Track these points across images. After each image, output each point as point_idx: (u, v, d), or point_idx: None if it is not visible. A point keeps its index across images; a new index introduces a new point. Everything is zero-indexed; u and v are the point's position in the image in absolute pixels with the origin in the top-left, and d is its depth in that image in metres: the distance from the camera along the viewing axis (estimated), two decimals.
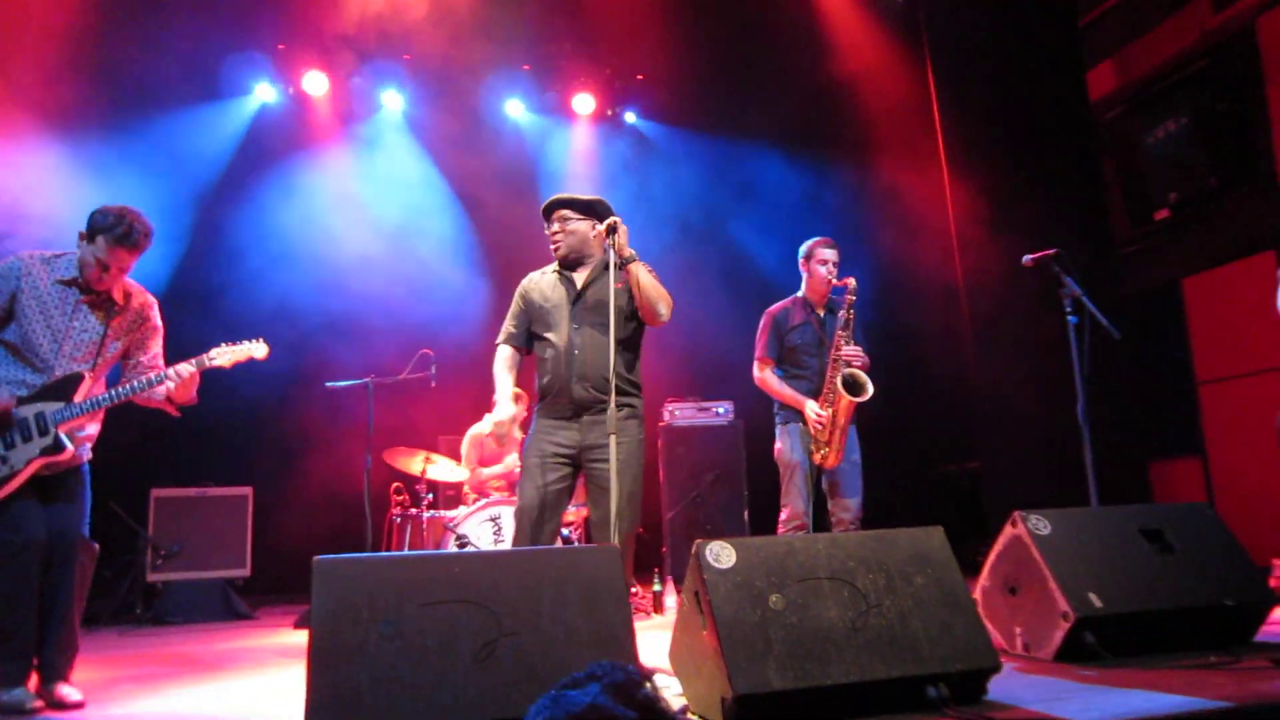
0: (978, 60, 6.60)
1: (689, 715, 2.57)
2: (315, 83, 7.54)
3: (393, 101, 7.81)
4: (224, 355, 3.62)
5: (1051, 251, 4.16)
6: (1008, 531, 3.27)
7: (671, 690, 2.80)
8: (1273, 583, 4.21)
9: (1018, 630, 3.19)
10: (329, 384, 6.00)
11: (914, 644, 2.46)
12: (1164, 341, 6.68)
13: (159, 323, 3.59)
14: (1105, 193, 6.96)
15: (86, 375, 3.30)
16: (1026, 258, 4.26)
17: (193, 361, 3.49)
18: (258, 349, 3.74)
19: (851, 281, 4.28)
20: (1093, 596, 2.97)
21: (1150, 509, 3.50)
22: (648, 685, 1.57)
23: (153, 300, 3.58)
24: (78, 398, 3.25)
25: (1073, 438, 4.06)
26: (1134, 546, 3.20)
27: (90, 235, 3.27)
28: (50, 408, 3.19)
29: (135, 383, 3.35)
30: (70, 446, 3.20)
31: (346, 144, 7.76)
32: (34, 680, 3.15)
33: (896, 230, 7.74)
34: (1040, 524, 3.18)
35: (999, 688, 2.58)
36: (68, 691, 3.16)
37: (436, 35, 7.13)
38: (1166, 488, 6.65)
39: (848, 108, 7.90)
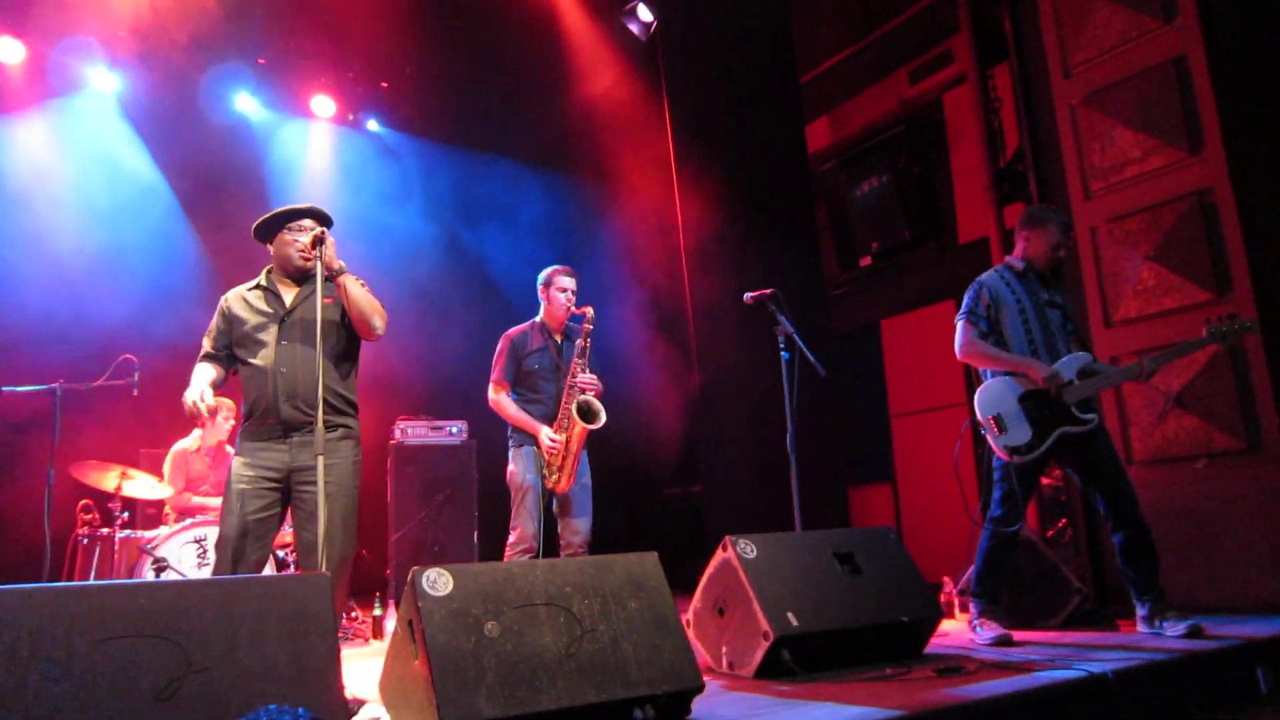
0: (711, 104, 6.96)
1: None
2: (7, 49, 6.65)
3: (103, 80, 7.05)
4: None
5: (769, 291, 4.46)
6: (719, 555, 3.44)
7: None
8: (942, 598, 4.72)
9: (724, 649, 3.36)
10: (5, 388, 5.28)
11: (624, 668, 2.52)
12: (864, 378, 7.38)
13: None
14: (819, 238, 7.59)
15: None
16: (747, 295, 4.54)
17: None
18: None
19: (589, 310, 4.38)
20: (790, 616, 3.19)
21: (843, 533, 3.83)
22: None
23: None
24: None
25: (784, 465, 4.36)
26: (828, 568, 3.46)
27: None
28: None
29: None
30: None
31: (44, 121, 6.87)
32: None
33: (634, 257, 8.00)
34: (747, 548, 3.37)
35: (702, 706, 2.70)
36: None
37: (158, 13, 6.52)
38: (863, 512, 7.32)
39: (593, 135, 8.07)
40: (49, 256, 6.54)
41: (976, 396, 4.02)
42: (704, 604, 3.52)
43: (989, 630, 3.81)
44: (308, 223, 3.42)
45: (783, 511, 4.44)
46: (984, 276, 4.14)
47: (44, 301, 6.40)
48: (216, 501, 5.31)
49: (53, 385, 5.20)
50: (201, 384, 3.30)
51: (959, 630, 4.20)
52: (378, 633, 5.19)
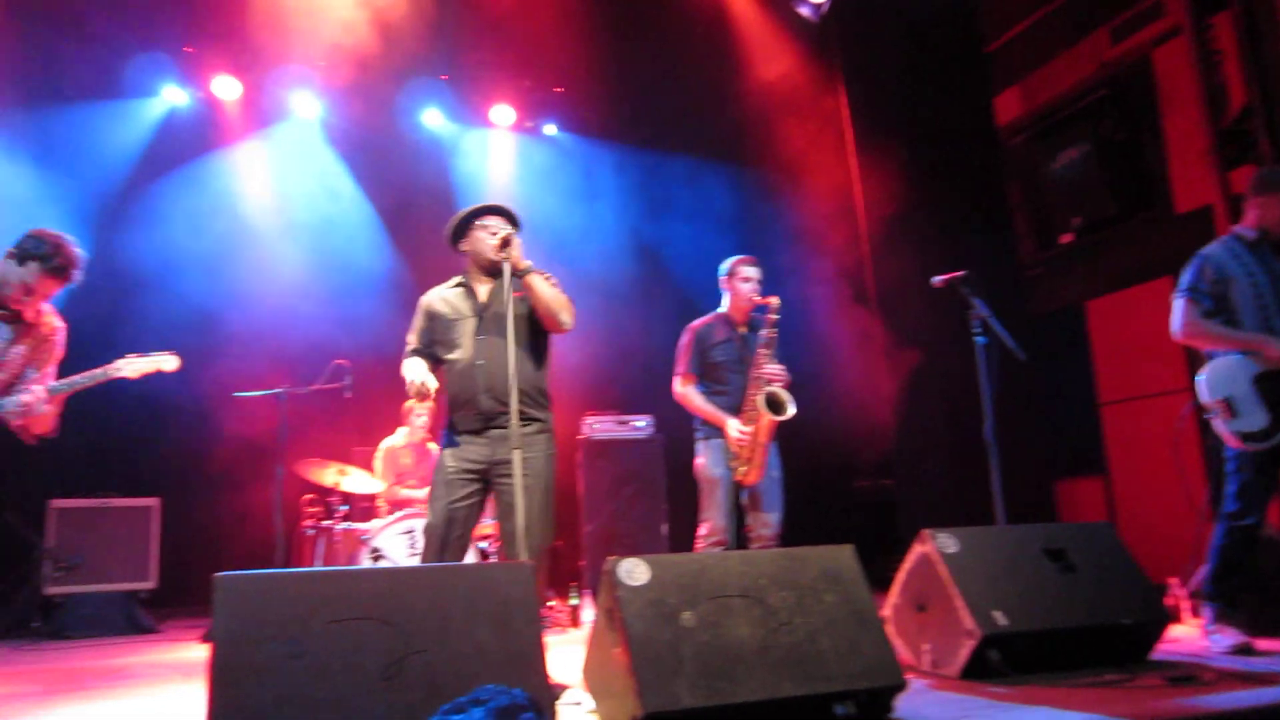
0: (890, 81, 6.71)
1: None
2: (225, 87, 7.36)
3: (307, 108, 7.64)
4: (131, 366, 3.57)
5: (960, 274, 4.25)
6: (917, 549, 3.32)
7: (585, 707, 2.78)
8: (1169, 601, 4.34)
9: (926, 647, 3.24)
10: (237, 394, 5.82)
11: (822, 662, 2.47)
12: (1068, 363, 6.88)
13: (61, 350, 3.55)
14: (1012, 216, 7.16)
15: None
16: (936, 279, 4.35)
17: (100, 370, 3.46)
18: (167, 361, 3.70)
19: (775, 301, 4.32)
20: (998, 615, 3.03)
21: (1053, 528, 3.60)
22: (532, 711, 1.55)
23: (61, 325, 3.54)
24: None
25: (983, 456, 4.14)
26: (1037, 565, 3.27)
27: (21, 258, 3.23)
28: None
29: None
30: None
31: (259, 149, 7.57)
32: None
33: (816, 244, 7.84)
34: (948, 542, 3.23)
35: (907, 705, 2.61)
36: None
37: (352, 42, 6.99)
38: (1071, 507, 6.85)
39: (766, 124, 7.96)
40: (267, 277, 7.18)
41: (1203, 377, 3.67)
42: (903, 600, 3.40)
43: (1227, 637, 3.46)
44: (494, 219, 3.56)
45: (981, 505, 4.23)
46: (1208, 249, 3.78)
47: (265, 317, 7.04)
48: (423, 494, 5.64)
49: (278, 390, 5.69)
50: (420, 369, 3.48)
51: (1189, 637, 3.85)
52: (575, 621, 5.35)
